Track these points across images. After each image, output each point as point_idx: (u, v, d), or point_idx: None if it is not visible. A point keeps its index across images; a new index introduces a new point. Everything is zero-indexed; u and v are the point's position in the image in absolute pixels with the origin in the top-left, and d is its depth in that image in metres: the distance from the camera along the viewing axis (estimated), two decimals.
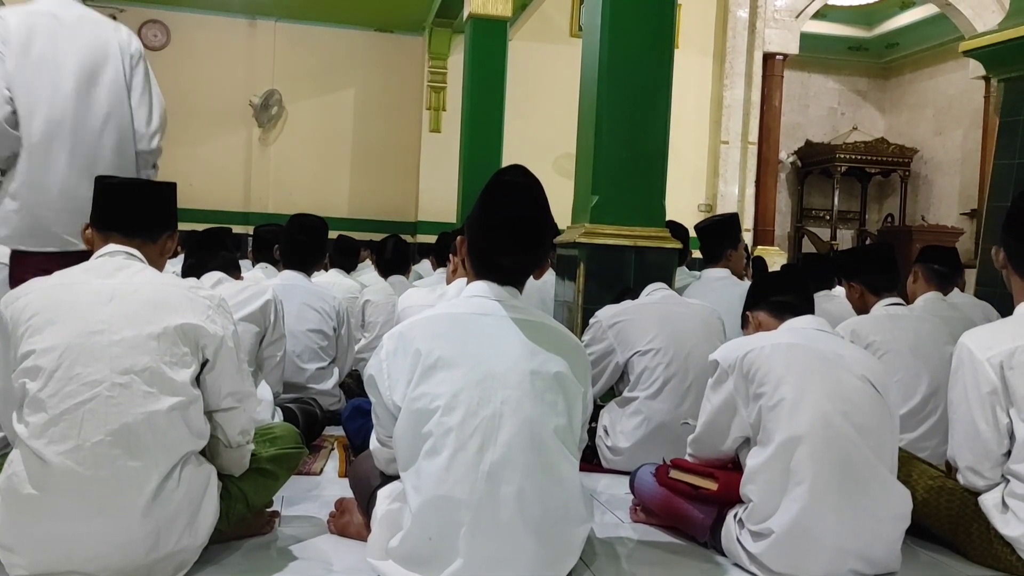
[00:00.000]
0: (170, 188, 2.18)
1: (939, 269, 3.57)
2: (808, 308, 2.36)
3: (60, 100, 2.85)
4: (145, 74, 3.05)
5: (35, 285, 1.94)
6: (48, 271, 2.27)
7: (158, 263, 2.10)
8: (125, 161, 2.96)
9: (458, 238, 2.10)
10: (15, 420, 1.83)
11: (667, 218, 4.09)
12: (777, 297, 2.41)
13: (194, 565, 1.94)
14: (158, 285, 1.96)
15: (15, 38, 2.80)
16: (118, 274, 1.96)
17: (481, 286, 2.02)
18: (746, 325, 2.52)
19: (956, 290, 4.21)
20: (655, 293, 3.35)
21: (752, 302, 2.50)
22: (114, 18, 9.88)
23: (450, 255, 3.11)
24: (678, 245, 3.99)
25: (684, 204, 9.42)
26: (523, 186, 2.03)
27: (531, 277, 2.12)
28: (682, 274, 4.22)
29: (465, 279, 2.82)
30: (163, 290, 1.95)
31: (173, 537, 1.85)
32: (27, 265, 2.76)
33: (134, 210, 2.09)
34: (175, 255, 2.80)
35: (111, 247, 2.02)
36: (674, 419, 3.01)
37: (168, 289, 1.96)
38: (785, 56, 10.35)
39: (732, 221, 4.21)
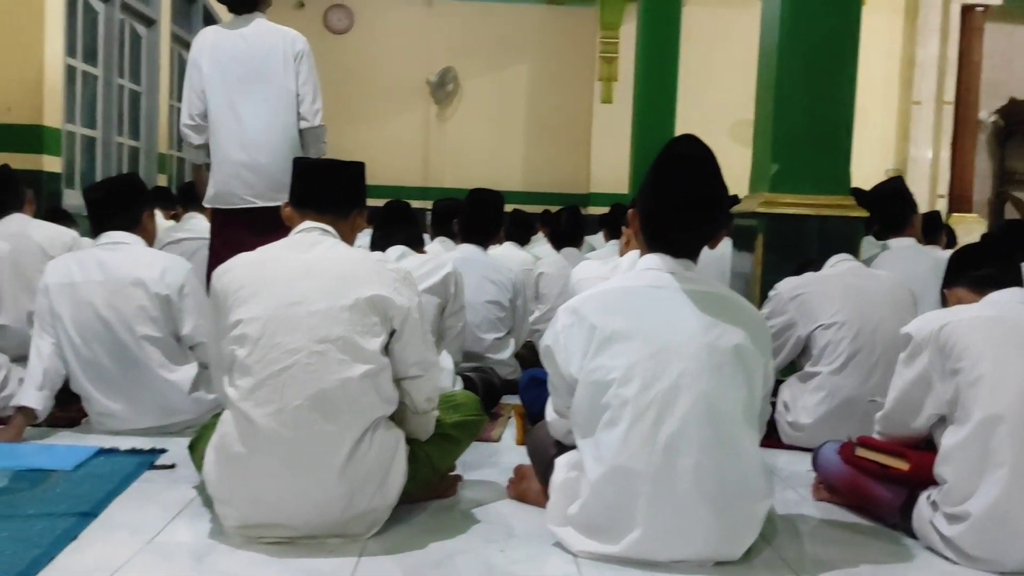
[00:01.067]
0: (359, 167, 2.30)
1: None
2: (1014, 279, 2.19)
3: (235, 92, 3.48)
4: (309, 67, 3.60)
5: (241, 260, 2.11)
6: (231, 225, 3.42)
7: (349, 238, 2.22)
8: (289, 140, 3.50)
9: (630, 211, 2.10)
10: (226, 383, 2.00)
11: (852, 185, 3.90)
12: (977, 271, 2.25)
13: (385, 523, 2.06)
14: (349, 259, 2.08)
15: (209, 46, 3.53)
16: (313, 249, 2.09)
17: (654, 259, 2.01)
18: (945, 304, 2.37)
19: None
20: (840, 264, 3.20)
21: (950, 279, 2.34)
22: (301, 5, 10.39)
23: (622, 227, 3.10)
24: (864, 214, 3.80)
25: (870, 170, 8.93)
26: (696, 157, 2.00)
27: (706, 247, 2.08)
28: (868, 244, 4.01)
29: (638, 251, 2.81)
30: (354, 264, 2.07)
31: (366, 497, 1.97)
32: (222, 221, 3.55)
33: (327, 189, 2.22)
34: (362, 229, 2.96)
35: (307, 224, 2.16)
36: (859, 395, 2.88)
37: (358, 263, 2.08)
38: (986, 7, 9.55)
39: (902, 184, 3.99)
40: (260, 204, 3.44)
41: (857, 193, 3.94)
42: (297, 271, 2.02)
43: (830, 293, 3.03)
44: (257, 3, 3.59)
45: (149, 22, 7.10)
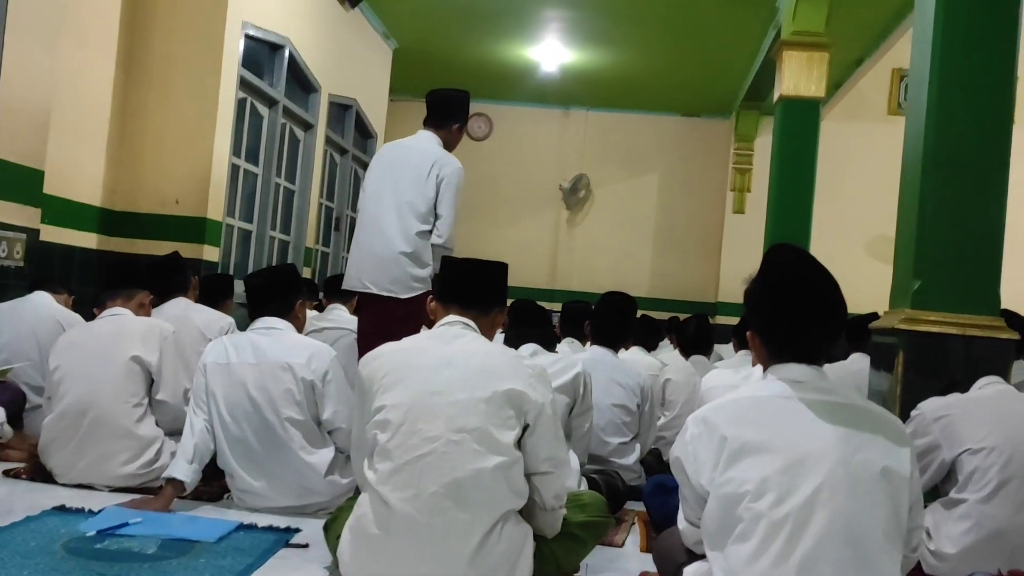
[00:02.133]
0: (503, 268, 2.41)
1: None
2: None
3: (385, 189, 3.97)
4: (452, 192, 3.93)
5: (387, 348, 2.22)
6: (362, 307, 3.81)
7: (489, 334, 2.31)
8: (411, 243, 3.84)
9: (748, 333, 2.08)
10: (366, 467, 2.08)
11: (1002, 306, 3.75)
12: None
13: None
14: (489, 353, 2.16)
15: (379, 156, 4.27)
16: (455, 342, 2.18)
17: (784, 368, 1.99)
18: None
19: None
20: (989, 387, 3.06)
21: None
22: None
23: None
24: (1015, 335, 3.63)
25: (1022, 291, 8.50)
26: (802, 260, 2.01)
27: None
28: (1019, 368, 3.81)
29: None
30: (493, 358, 2.14)
31: None
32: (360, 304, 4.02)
33: (472, 286, 2.33)
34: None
35: (451, 317, 2.26)
36: (1010, 527, 2.71)
37: (497, 357, 2.15)
38: None
39: None
40: (375, 291, 3.80)
41: (1008, 315, 3.78)
42: (440, 361, 2.11)
43: (979, 416, 2.89)
44: (438, 123, 4.15)
45: (308, 126, 7.63)
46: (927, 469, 2.95)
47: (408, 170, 3.97)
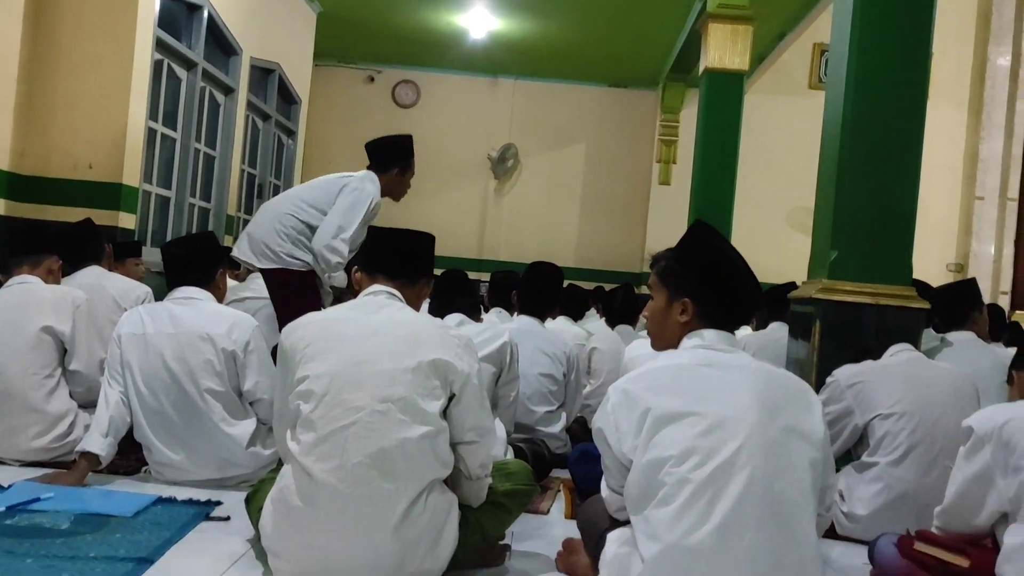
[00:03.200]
0: (430, 239, 2.39)
1: None
2: None
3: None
4: (345, 202, 3.97)
5: (311, 319, 2.18)
6: None
7: (414, 305, 2.29)
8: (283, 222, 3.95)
9: (685, 300, 2.11)
10: (288, 438, 2.05)
11: (913, 277, 3.88)
12: None
13: None
14: (415, 322, 2.14)
15: None
16: (381, 312, 2.16)
17: (701, 336, 2.03)
18: (1011, 383, 2.34)
19: None
20: (900, 355, 3.17)
21: (1020, 361, 2.31)
22: (371, 80, 10.78)
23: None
24: (925, 305, 3.76)
25: (931, 263, 8.84)
26: (719, 236, 2.14)
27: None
28: (929, 337, 3.96)
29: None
30: (419, 327, 2.12)
31: (417, 559, 1.98)
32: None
33: (399, 256, 2.30)
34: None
35: (376, 287, 2.23)
36: (918, 489, 2.83)
37: (423, 327, 2.13)
38: None
39: (973, 285, 3.96)
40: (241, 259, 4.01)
41: (919, 285, 3.91)
42: (365, 331, 2.08)
43: (890, 382, 3.00)
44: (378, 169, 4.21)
45: (228, 91, 7.42)
46: (841, 434, 3.05)
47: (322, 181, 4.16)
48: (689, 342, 2.04)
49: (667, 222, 9.66)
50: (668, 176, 10.28)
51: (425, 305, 3.55)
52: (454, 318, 3.28)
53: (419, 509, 1.98)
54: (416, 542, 1.98)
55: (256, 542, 2.25)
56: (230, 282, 5.14)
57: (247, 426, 2.93)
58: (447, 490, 2.10)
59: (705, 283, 2.07)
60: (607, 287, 7.31)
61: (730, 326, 2.05)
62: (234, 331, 2.95)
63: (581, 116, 10.62)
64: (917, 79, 3.84)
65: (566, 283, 4.95)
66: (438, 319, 2.37)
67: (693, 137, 7.82)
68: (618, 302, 5.80)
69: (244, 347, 2.94)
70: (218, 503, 2.68)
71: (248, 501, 2.34)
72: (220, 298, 3.14)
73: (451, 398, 2.08)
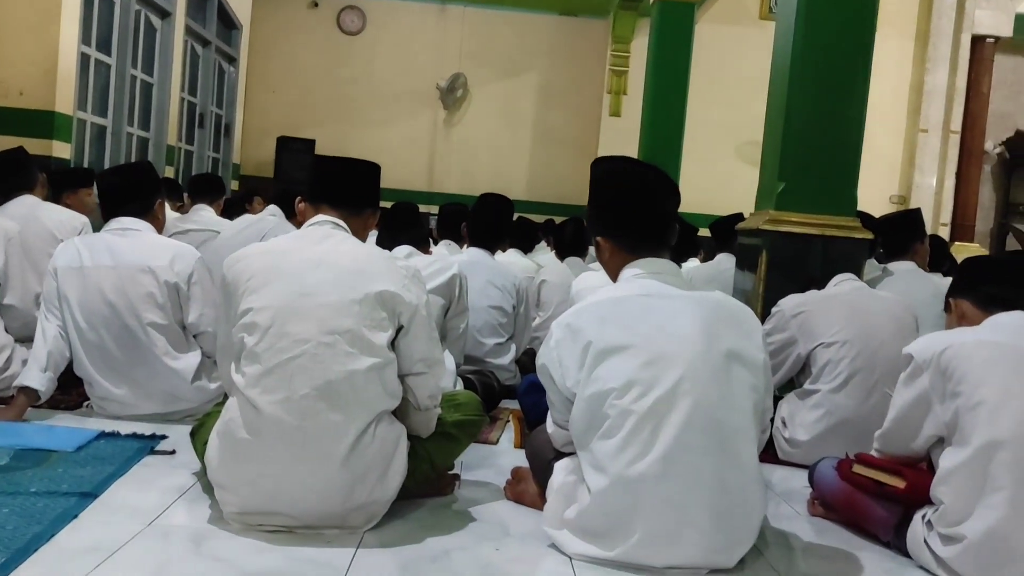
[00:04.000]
0: (375, 168, 2.34)
1: None
2: (1022, 304, 2.19)
3: None
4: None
5: (253, 249, 2.14)
6: None
7: (361, 236, 2.25)
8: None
9: (598, 240, 2.13)
10: (233, 370, 2.02)
11: (857, 208, 3.92)
12: (989, 288, 2.25)
13: (383, 517, 2.07)
14: (361, 254, 2.10)
15: None
16: (325, 242, 2.11)
17: (638, 266, 2.04)
18: (948, 311, 2.39)
19: None
20: (843, 284, 3.23)
21: (958, 288, 2.35)
22: (315, 5, 10.45)
23: None
24: (869, 236, 3.82)
25: (875, 195, 8.98)
26: (629, 162, 2.16)
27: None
28: (871, 267, 4.03)
29: None
30: (365, 259, 2.09)
31: (366, 488, 1.98)
32: None
33: (342, 184, 2.25)
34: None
35: (320, 217, 2.18)
36: (858, 415, 2.90)
37: (370, 258, 2.10)
38: (997, 39, 9.61)
39: (917, 215, 4.02)
40: None
41: (863, 216, 3.97)
42: (309, 262, 2.04)
43: (833, 312, 3.05)
44: None
45: (165, 14, 7.14)
46: (785, 362, 3.11)
47: None
48: (626, 273, 2.05)
49: (618, 153, 9.62)
50: (619, 107, 10.22)
51: (373, 237, 3.51)
52: (403, 250, 3.24)
53: (367, 440, 1.97)
54: (365, 473, 1.97)
55: (202, 475, 2.23)
56: (172, 214, 5.03)
57: (192, 359, 2.88)
58: (396, 421, 2.09)
59: (603, 217, 2.10)
60: (558, 219, 7.28)
61: (661, 252, 2.07)
62: (176, 263, 2.88)
63: (531, 45, 10.45)
64: (866, 10, 3.83)
65: (516, 215, 4.93)
66: (386, 251, 2.33)
67: (644, 68, 7.75)
68: (568, 235, 5.78)
69: (187, 279, 2.87)
70: (163, 437, 2.65)
71: (193, 435, 2.31)
72: (159, 229, 3.05)
73: (399, 330, 2.06)
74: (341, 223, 2.18)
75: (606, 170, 2.14)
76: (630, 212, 2.06)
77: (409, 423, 2.15)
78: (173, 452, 2.53)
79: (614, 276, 2.11)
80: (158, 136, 7.23)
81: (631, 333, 1.93)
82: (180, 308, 2.88)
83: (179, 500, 2.17)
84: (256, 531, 1.97)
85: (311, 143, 9.79)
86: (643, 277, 2.02)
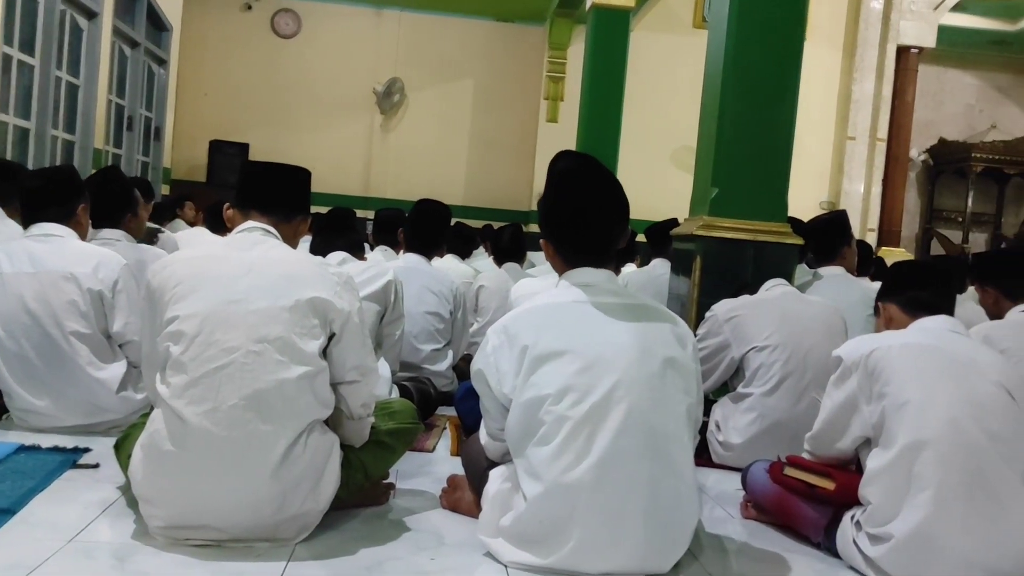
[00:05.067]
0: (306, 174, 2.29)
1: None
2: (946, 308, 2.26)
3: None
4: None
5: (180, 256, 2.08)
6: None
7: (291, 243, 2.20)
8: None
9: (541, 241, 2.12)
10: (158, 381, 1.96)
11: (788, 214, 3.99)
12: (915, 292, 2.30)
13: (315, 529, 2.03)
14: (292, 260, 2.06)
15: None
16: (255, 248, 2.07)
17: (577, 273, 2.03)
18: (877, 314, 2.44)
19: None
20: (775, 289, 3.28)
21: (886, 292, 2.40)
22: (248, 7, 10.25)
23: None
24: (799, 241, 3.89)
25: (806, 201, 9.15)
26: (583, 166, 2.06)
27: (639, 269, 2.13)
28: (802, 271, 4.11)
29: None
30: (296, 265, 2.05)
31: (298, 500, 1.94)
32: None
33: (272, 190, 2.20)
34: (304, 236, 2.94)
35: (249, 223, 2.13)
36: (790, 417, 2.95)
37: (301, 264, 2.06)
38: (920, 49, 9.91)
39: (844, 218, 4.11)
40: None
41: (793, 222, 4.04)
42: (238, 269, 1.99)
43: (765, 316, 3.10)
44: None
45: (91, 15, 6.94)
46: (718, 366, 3.14)
47: None
48: (565, 280, 2.05)
49: (581, 153, 9.65)
50: (556, 113, 10.27)
51: (307, 243, 3.47)
52: (337, 256, 3.21)
53: (299, 451, 1.93)
54: (296, 484, 1.93)
55: (127, 489, 2.16)
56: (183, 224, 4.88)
57: (116, 369, 2.80)
58: (328, 430, 2.06)
59: (548, 220, 2.08)
60: (496, 225, 7.28)
61: (602, 262, 2.05)
62: (100, 270, 2.79)
63: (469, 51, 10.44)
64: (795, 19, 3.91)
65: (454, 221, 4.91)
66: (317, 257, 2.29)
67: (580, 74, 7.80)
68: (506, 240, 5.80)
69: (112, 286, 2.79)
70: (86, 450, 2.56)
71: (117, 447, 2.24)
72: (83, 235, 2.96)
73: (331, 337, 2.02)
74: (271, 229, 2.13)
75: (562, 171, 2.07)
76: (571, 226, 2.03)
77: (342, 432, 2.12)
78: (97, 466, 2.45)
79: (560, 272, 2.11)
80: (84, 139, 7.03)
81: (567, 339, 1.93)
82: (104, 317, 2.79)
83: (102, 515, 2.10)
84: (183, 546, 1.92)
85: (245, 147, 9.62)
86: (577, 285, 2.02)
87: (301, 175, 2.28)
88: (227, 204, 2.23)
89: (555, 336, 1.94)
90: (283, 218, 2.18)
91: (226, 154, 9.49)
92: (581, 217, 2.02)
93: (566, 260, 2.07)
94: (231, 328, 1.91)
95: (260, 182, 2.21)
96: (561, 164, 2.09)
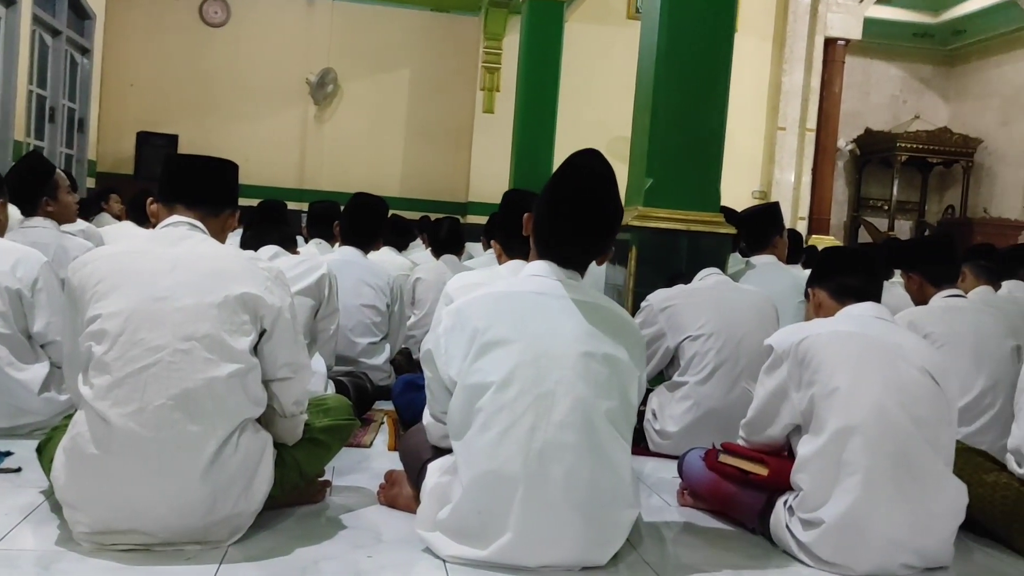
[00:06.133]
0: (234, 167, 2.23)
1: (985, 264, 3.65)
2: (874, 295, 2.31)
3: None
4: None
5: (101, 252, 2.00)
6: None
7: (219, 238, 2.14)
8: None
9: (526, 215, 2.10)
10: (80, 382, 1.89)
11: (721, 204, 4.05)
12: (843, 279, 2.34)
13: (249, 529, 1.99)
14: (219, 255, 2.01)
15: None
16: (181, 243, 2.00)
17: (542, 266, 2.02)
18: (808, 300, 2.49)
19: (1020, 283, 4.13)
20: (708, 278, 3.32)
21: (816, 278, 2.44)
22: None
23: (491, 241, 3.07)
24: (732, 231, 3.95)
25: (738, 190, 9.31)
26: (597, 174, 2.01)
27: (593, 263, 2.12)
28: (735, 260, 4.17)
29: (513, 262, 2.82)
30: (224, 260, 1.99)
31: (230, 501, 1.90)
32: None
33: (199, 183, 2.14)
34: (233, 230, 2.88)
35: (175, 218, 2.07)
36: (724, 405, 2.99)
37: (229, 259, 2.00)
38: (847, 41, 10.14)
39: (776, 208, 4.20)
40: None
41: (726, 212, 4.10)
42: (163, 265, 1.93)
43: (699, 305, 3.13)
44: None
45: (9, 2, 6.69)
46: (655, 355, 3.17)
47: None
48: (529, 269, 2.04)
49: (492, 151, 9.65)
50: (492, 104, 10.24)
51: (238, 237, 3.39)
52: (268, 250, 3.13)
53: (230, 451, 1.88)
54: (228, 485, 1.88)
55: (50, 494, 2.08)
56: (17, 214, 4.71)
57: (38, 370, 2.70)
58: (260, 429, 2.01)
59: (537, 212, 2.05)
60: (433, 217, 7.24)
61: (569, 263, 2.02)
62: (19, 268, 2.69)
63: (403, 41, 10.34)
64: (725, 11, 3.95)
65: (390, 213, 4.86)
66: (247, 251, 2.23)
67: (516, 65, 7.80)
68: (444, 232, 5.74)
69: (31, 285, 2.69)
70: (7, 453, 2.47)
71: (40, 450, 2.17)
72: (1, 231, 2.85)
73: (262, 334, 1.98)
74: (198, 224, 2.07)
75: (581, 165, 2.01)
76: (563, 218, 1.99)
77: (275, 431, 2.07)
78: (19, 470, 2.36)
79: (529, 259, 2.08)
80: (3, 131, 6.78)
81: (518, 329, 1.93)
82: (24, 316, 2.69)
83: (25, 521, 2.02)
84: (110, 551, 1.86)
85: (174, 139, 9.39)
86: (541, 277, 2.01)
87: (228, 167, 2.22)
88: (150, 199, 2.17)
89: (507, 324, 1.93)
90: (210, 212, 2.13)
91: (154, 146, 9.25)
92: (571, 228, 1.99)
93: (539, 246, 2.04)
94: (156, 326, 1.85)
95: (185, 175, 2.15)
96: (576, 160, 2.04)
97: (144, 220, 4.40)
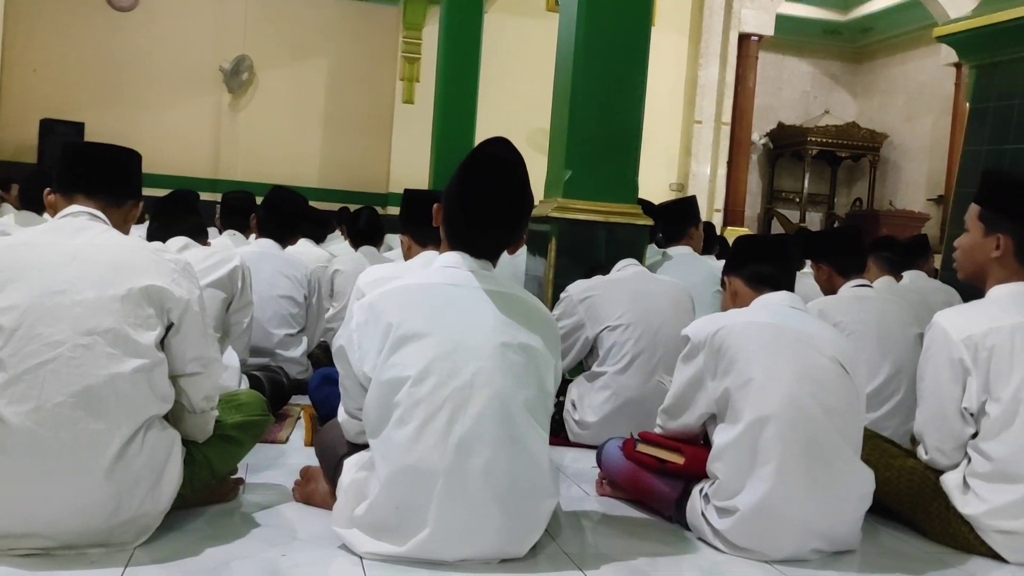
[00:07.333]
0: (136, 156, 2.14)
1: (888, 256, 3.85)
2: (788, 283, 2.35)
3: None
4: None
5: None
6: None
7: (122, 229, 2.05)
8: None
9: (435, 206, 2.08)
10: None
11: (639, 196, 4.09)
12: (757, 267, 2.37)
13: (156, 530, 1.91)
14: (122, 247, 1.92)
15: None
16: (80, 235, 1.92)
17: (454, 257, 2.00)
18: (724, 289, 2.52)
19: (920, 273, 4.29)
20: (626, 269, 3.35)
21: (731, 267, 2.47)
22: None
23: (401, 235, 3.03)
24: (649, 222, 3.99)
25: (656, 183, 9.46)
26: (507, 162, 2.00)
27: (505, 252, 2.11)
28: (652, 252, 4.23)
29: (424, 253, 2.80)
30: (127, 252, 1.91)
31: (135, 502, 1.82)
32: None
33: (99, 172, 2.04)
34: (140, 221, 2.77)
35: (74, 208, 1.98)
36: (642, 395, 3.02)
37: (133, 251, 1.92)
38: (760, 37, 10.37)
39: (692, 201, 4.29)
40: None
41: (644, 204, 4.14)
42: (62, 257, 1.84)
43: (617, 296, 3.16)
44: None
45: None
46: (574, 346, 3.18)
47: None
48: (441, 261, 2.02)
49: (411, 142, 9.57)
50: (412, 95, 10.15)
51: (143, 230, 3.27)
52: (177, 242, 3.04)
53: (135, 449, 1.81)
54: (133, 485, 1.81)
55: None
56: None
57: None
58: (168, 426, 1.94)
59: (450, 194, 2.03)
60: (352, 208, 7.14)
61: (481, 254, 2.01)
62: None
63: (321, 29, 10.15)
64: (642, 6, 3.98)
65: (308, 202, 4.77)
66: (153, 243, 2.15)
67: (436, 56, 7.74)
68: (363, 223, 5.68)
69: None
70: None
71: None
72: None
73: (169, 327, 1.91)
74: (99, 214, 1.98)
75: (491, 155, 2.00)
76: (458, 215, 1.98)
77: (183, 428, 2.00)
78: None
79: (441, 250, 2.06)
80: None
81: (432, 322, 1.90)
82: None
83: None
84: (7, 556, 1.76)
85: (80, 126, 9.03)
86: (453, 268, 1.98)
87: (130, 156, 2.13)
88: (47, 190, 2.06)
89: (421, 317, 1.91)
90: (112, 202, 2.04)
91: (59, 134, 8.88)
92: (480, 216, 1.97)
93: (450, 236, 2.02)
94: (55, 321, 1.77)
95: (85, 164, 2.05)
96: (484, 149, 2.03)
97: (39, 210, 4.21)
